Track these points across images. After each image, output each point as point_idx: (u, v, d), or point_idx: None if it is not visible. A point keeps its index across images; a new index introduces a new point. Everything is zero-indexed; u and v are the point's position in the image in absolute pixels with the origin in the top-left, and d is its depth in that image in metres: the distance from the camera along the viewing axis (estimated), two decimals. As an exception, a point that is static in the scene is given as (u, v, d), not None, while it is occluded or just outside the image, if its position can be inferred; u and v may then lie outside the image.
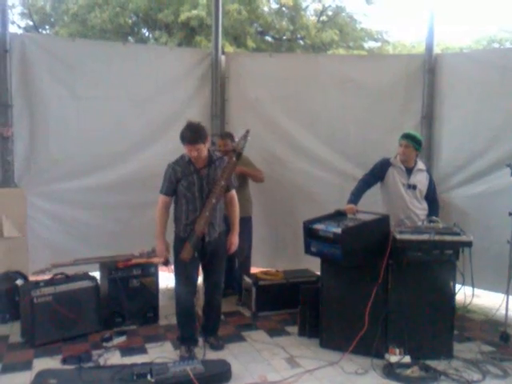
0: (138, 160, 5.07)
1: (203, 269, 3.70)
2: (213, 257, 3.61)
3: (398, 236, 3.47)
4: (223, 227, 3.68)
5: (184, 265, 3.49)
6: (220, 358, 3.47)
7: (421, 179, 4.26)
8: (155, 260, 4.21)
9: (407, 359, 3.42)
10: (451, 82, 4.98)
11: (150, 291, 4.24)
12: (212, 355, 3.57)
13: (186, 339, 3.64)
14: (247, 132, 3.55)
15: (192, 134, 3.40)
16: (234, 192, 3.70)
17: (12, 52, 4.57)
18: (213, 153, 3.61)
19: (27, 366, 3.37)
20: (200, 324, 3.78)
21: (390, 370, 3.32)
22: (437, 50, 5.25)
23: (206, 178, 3.50)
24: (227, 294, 4.65)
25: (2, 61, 4.52)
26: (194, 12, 12.39)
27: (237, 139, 3.58)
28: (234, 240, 3.69)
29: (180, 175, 3.49)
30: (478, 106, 4.72)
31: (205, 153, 3.48)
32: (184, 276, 3.56)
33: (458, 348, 3.65)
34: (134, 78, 5.06)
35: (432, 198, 4.32)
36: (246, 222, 4.53)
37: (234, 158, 3.49)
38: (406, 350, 3.45)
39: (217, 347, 3.70)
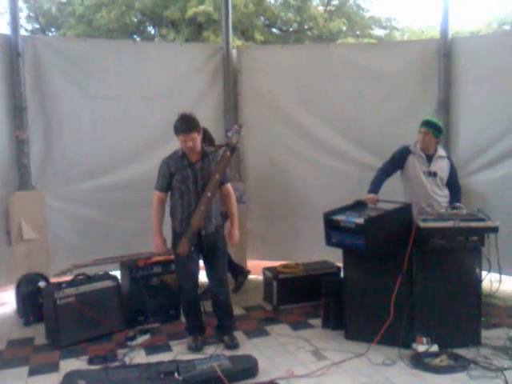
0: (154, 158, 4.92)
1: (204, 264, 3.70)
2: (212, 250, 3.62)
3: (422, 224, 3.42)
4: (220, 221, 3.69)
5: (183, 259, 3.54)
6: (245, 352, 3.46)
7: (441, 166, 4.19)
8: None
9: (435, 348, 3.38)
10: (468, 66, 4.89)
11: (171, 289, 4.22)
12: (237, 350, 3.55)
13: (192, 329, 3.72)
14: (240, 126, 3.59)
15: (186, 123, 3.44)
16: (229, 185, 3.71)
17: (24, 55, 4.57)
18: (206, 147, 3.62)
19: (54, 367, 3.38)
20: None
21: (418, 360, 3.28)
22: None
23: (200, 171, 3.52)
24: None
25: (15, 64, 4.53)
26: (201, 7, 12.35)
27: (229, 133, 3.58)
28: (235, 232, 3.71)
29: (173, 169, 3.52)
30: (496, 89, 4.63)
31: (199, 144, 3.51)
32: (184, 270, 3.63)
33: (486, 335, 3.58)
34: (146, 76, 5.06)
35: (454, 185, 4.25)
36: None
37: (228, 153, 3.51)
38: (434, 338, 3.41)
39: (231, 347, 3.60)
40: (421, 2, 26.35)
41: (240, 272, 4.95)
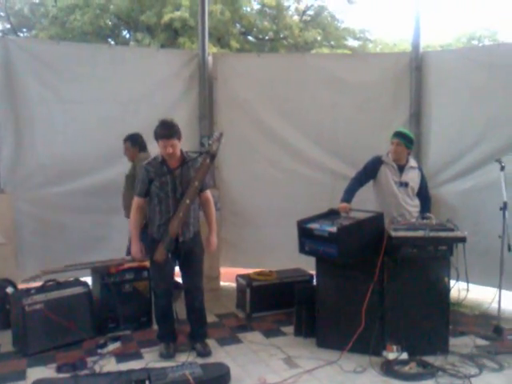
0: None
1: (181, 271, 3.69)
2: (188, 257, 3.61)
3: (393, 233, 3.48)
4: (198, 227, 3.68)
5: (159, 266, 3.53)
6: (218, 360, 3.45)
7: (412, 177, 4.27)
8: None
9: (405, 356, 3.43)
10: (438, 79, 5.03)
11: (143, 295, 4.19)
12: (209, 358, 3.54)
13: (164, 336, 3.69)
14: (221, 134, 3.59)
15: (167, 129, 3.45)
16: (208, 192, 3.72)
17: (-5, 55, 4.49)
18: (186, 154, 3.60)
19: (21, 375, 3.30)
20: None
21: (388, 368, 3.33)
22: (419, 48, 5.29)
23: (179, 178, 3.51)
24: None
25: (-15, 64, 4.44)
26: (177, 13, 12.33)
27: (210, 141, 3.58)
28: (213, 239, 3.71)
29: (153, 175, 3.50)
30: (465, 103, 4.78)
31: (179, 151, 3.50)
32: (159, 277, 3.62)
33: (453, 343, 3.66)
34: (121, 81, 5.01)
35: (424, 195, 4.33)
36: None
37: (208, 160, 3.50)
38: (403, 346, 3.47)
39: (203, 354, 3.59)
40: (393, 16, 27.02)
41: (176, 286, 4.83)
